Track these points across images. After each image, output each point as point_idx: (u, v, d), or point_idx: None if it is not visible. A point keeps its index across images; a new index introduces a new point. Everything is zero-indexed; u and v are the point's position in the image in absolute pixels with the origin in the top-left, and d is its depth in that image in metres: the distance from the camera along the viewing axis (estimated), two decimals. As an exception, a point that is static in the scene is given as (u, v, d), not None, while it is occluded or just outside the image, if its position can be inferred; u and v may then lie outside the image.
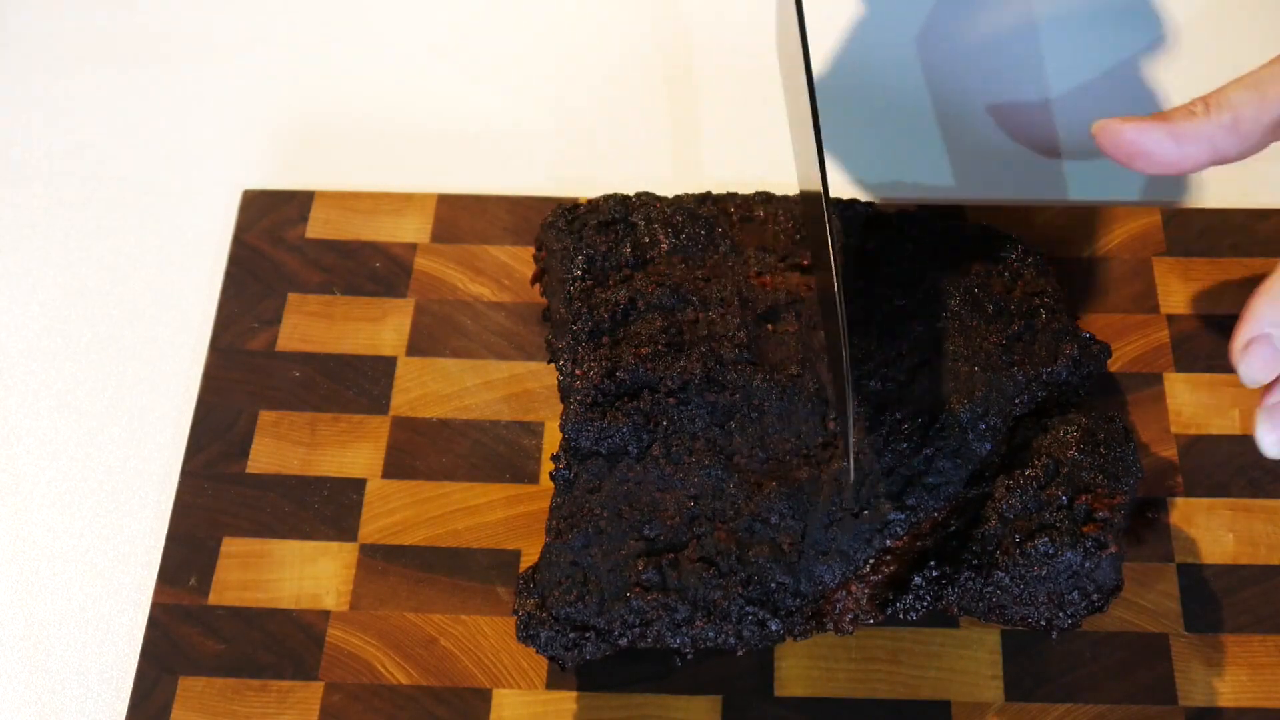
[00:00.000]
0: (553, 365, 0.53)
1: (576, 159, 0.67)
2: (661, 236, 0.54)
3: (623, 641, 0.48)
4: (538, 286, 0.58)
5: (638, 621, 0.47)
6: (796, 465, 0.48)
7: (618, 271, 0.53)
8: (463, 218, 0.64)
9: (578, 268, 0.53)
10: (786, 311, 0.52)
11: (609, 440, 0.49)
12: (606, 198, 0.56)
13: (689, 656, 0.49)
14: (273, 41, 0.72)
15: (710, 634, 0.48)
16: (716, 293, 0.52)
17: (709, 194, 0.57)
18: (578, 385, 0.50)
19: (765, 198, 0.57)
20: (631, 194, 0.56)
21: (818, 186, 0.48)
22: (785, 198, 0.56)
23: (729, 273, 0.53)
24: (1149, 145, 0.49)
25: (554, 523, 0.49)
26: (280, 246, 0.63)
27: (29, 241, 0.66)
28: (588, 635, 0.48)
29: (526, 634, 0.48)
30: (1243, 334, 0.46)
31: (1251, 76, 0.49)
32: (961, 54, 0.71)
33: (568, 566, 0.48)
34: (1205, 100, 0.49)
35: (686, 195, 0.57)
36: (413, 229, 0.64)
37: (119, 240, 0.65)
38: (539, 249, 0.57)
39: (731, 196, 0.57)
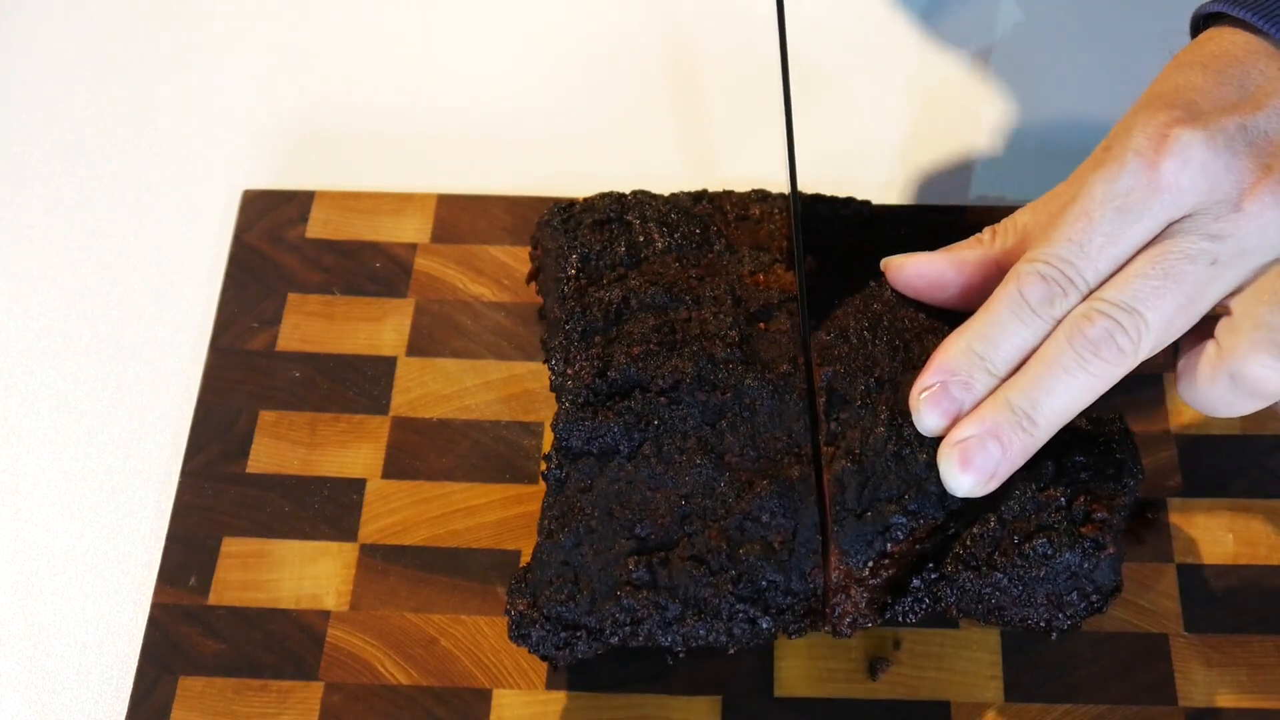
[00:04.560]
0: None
1: (576, 159, 0.67)
2: (656, 235, 0.54)
3: (614, 640, 0.48)
4: (534, 285, 0.58)
5: (628, 620, 0.47)
6: (788, 464, 0.48)
7: (612, 270, 0.53)
8: (463, 218, 0.64)
9: (572, 266, 0.53)
10: (779, 310, 0.52)
11: (600, 439, 0.49)
12: (602, 196, 0.56)
13: (681, 655, 0.49)
14: (273, 41, 0.72)
15: (701, 632, 0.48)
16: (710, 291, 0.52)
17: (704, 191, 0.57)
18: (569, 385, 0.50)
19: (761, 195, 0.57)
20: (627, 192, 0.56)
21: (810, 187, 0.49)
22: (781, 195, 0.56)
23: (723, 271, 0.53)
24: (932, 275, 0.51)
25: (545, 522, 0.49)
26: (280, 246, 0.63)
27: (29, 241, 0.66)
28: (579, 634, 0.48)
29: (518, 633, 0.48)
30: (920, 383, 0.47)
31: (1041, 199, 0.50)
32: (963, 53, 0.71)
33: (559, 566, 0.48)
34: (994, 228, 0.51)
35: (682, 193, 0.57)
36: (413, 229, 0.64)
37: (119, 240, 0.65)
38: (534, 247, 0.57)
39: (727, 194, 0.57)
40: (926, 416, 0.47)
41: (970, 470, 0.46)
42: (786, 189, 0.57)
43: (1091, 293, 0.45)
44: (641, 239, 0.54)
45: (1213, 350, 0.45)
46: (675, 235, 0.54)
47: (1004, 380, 0.46)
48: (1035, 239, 0.48)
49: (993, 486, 0.46)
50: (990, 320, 0.46)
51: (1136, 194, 0.44)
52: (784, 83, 0.52)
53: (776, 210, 0.56)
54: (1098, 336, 0.44)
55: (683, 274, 0.53)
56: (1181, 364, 0.47)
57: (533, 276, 0.58)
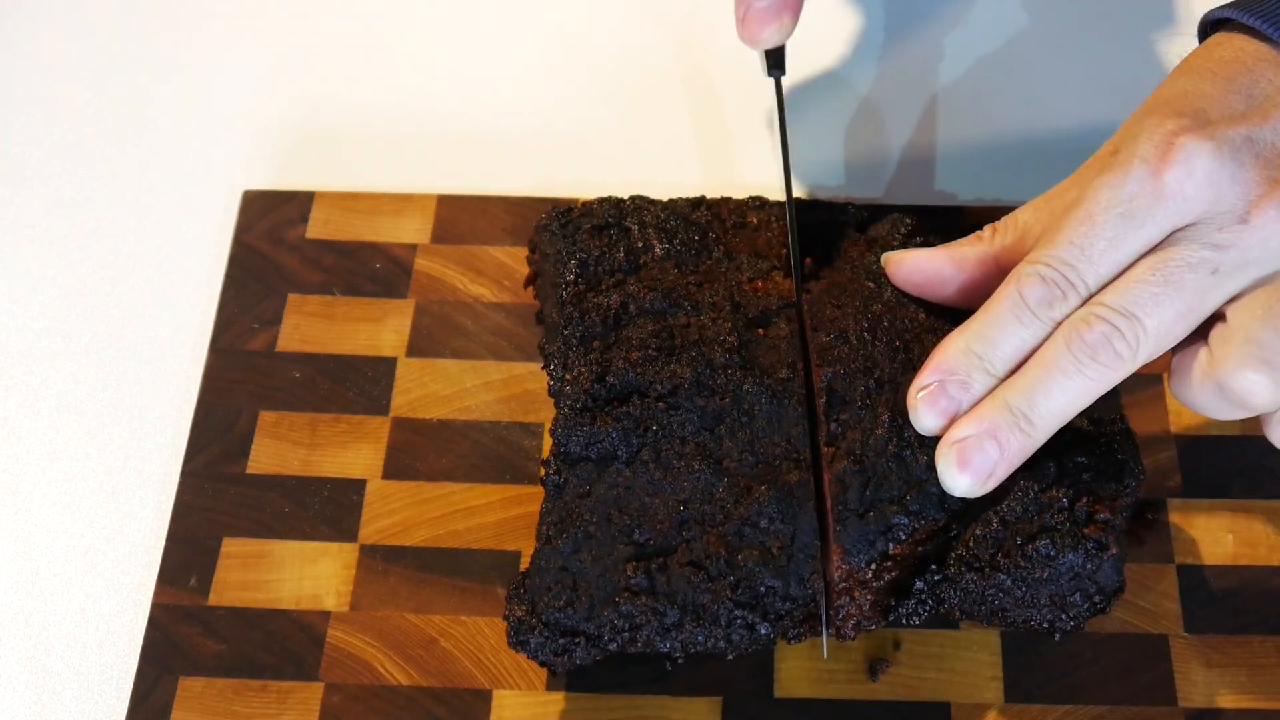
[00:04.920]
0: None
1: (576, 160, 0.67)
2: (655, 241, 0.54)
3: (612, 646, 0.48)
4: (531, 289, 0.58)
5: (627, 626, 0.47)
6: (786, 469, 0.48)
7: (611, 276, 0.53)
8: (463, 218, 0.64)
9: (571, 272, 0.53)
10: (777, 316, 0.52)
11: (598, 445, 0.49)
12: (600, 201, 0.56)
13: (679, 660, 0.49)
14: (273, 41, 0.72)
15: (699, 638, 0.48)
16: (709, 298, 0.52)
17: (702, 198, 0.57)
18: (567, 390, 0.50)
19: (759, 203, 0.57)
20: (625, 197, 0.56)
21: (810, 188, 0.49)
22: (779, 203, 0.56)
23: (721, 278, 0.53)
24: (931, 270, 0.51)
25: (544, 528, 0.49)
26: (280, 246, 0.63)
27: (29, 241, 0.66)
28: (577, 640, 0.48)
29: (516, 640, 0.48)
30: (918, 382, 0.48)
31: (1041, 197, 0.50)
32: (962, 55, 0.71)
33: (557, 572, 0.48)
34: (994, 225, 0.51)
35: (680, 199, 0.57)
36: (413, 229, 0.64)
37: (119, 240, 0.65)
38: (532, 251, 0.57)
39: (725, 201, 0.57)
40: (924, 416, 0.47)
41: (968, 470, 0.46)
42: (782, 195, 0.57)
43: (1091, 297, 0.45)
44: (640, 245, 0.54)
45: (1204, 356, 0.45)
46: (674, 242, 0.54)
47: (1002, 381, 0.46)
48: (1036, 239, 0.48)
49: (990, 487, 0.46)
50: (989, 321, 0.46)
51: (1140, 200, 0.44)
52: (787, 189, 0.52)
53: (774, 218, 0.56)
54: (1095, 341, 0.44)
55: (681, 280, 0.53)
56: (1175, 362, 0.47)
57: (530, 281, 0.58)
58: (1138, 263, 0.45)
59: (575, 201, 0.57)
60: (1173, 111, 0.45)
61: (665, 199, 0.57)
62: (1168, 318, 0.44)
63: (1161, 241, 0.45)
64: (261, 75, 0.71)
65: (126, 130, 0.69)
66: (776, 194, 0.57)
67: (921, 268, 0.51)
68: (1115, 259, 0.45)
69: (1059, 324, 0.45)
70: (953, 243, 0.51)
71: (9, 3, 0.73)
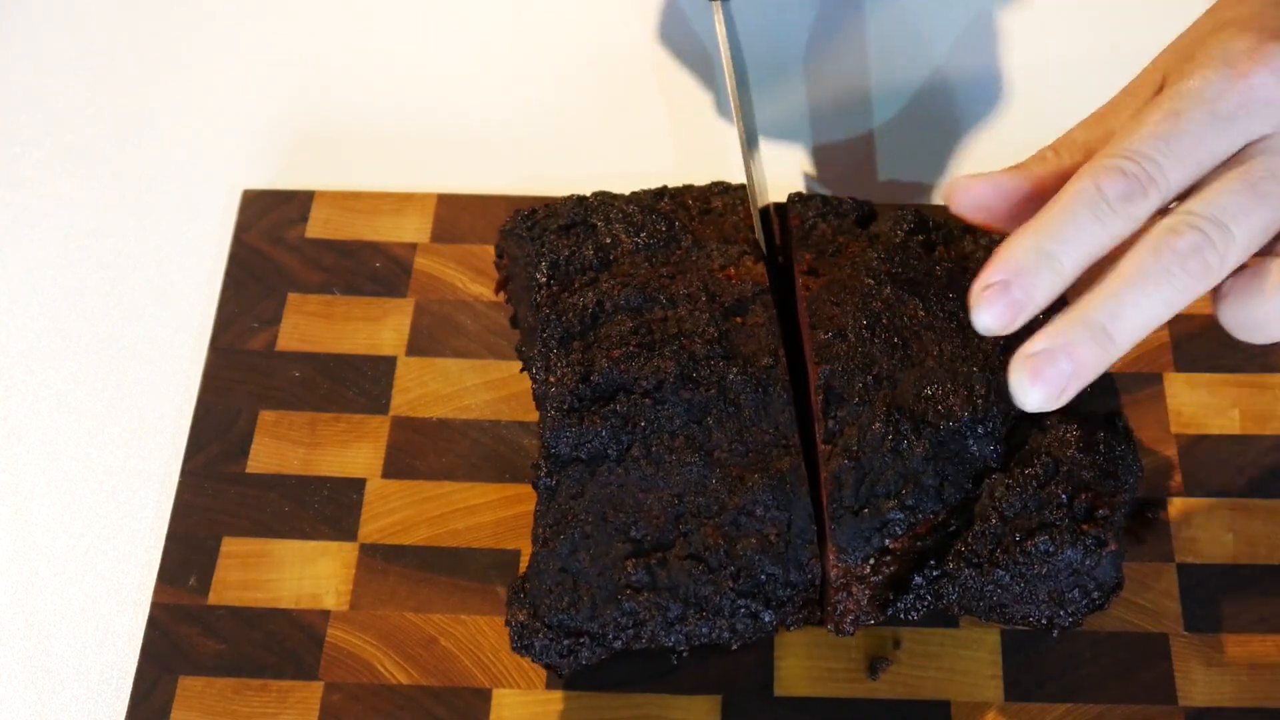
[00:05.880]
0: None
1: (577, 158, 0.67)
2: (623, 236, 0.54)
3: (617, 644, 0.48)
4: (503, 295, 0.58)
5: (631, 623, 0.47)
6: (777, 456, 0.49)
7: (582, 274, 0.53)
8: (463, 218, 0.64)
9: (542, 274, 0.53)
10: (753, 303, 0.52)
11: (588, 445, 0.49)
12: (564, 200, 0.56)
13: (684, 654, 0.49)
14: (273, 41, 0.72)
15: (704, 629, 0.48)
16: (683, 289, 0.52)
17: (665, 188, 0.57)
18: (552, 392, 0.50)
19: (722, 188, 0.57)
20: (588, 194, 0.56)
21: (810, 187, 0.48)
22: (741, 186, 0.56)
23: (693, 268, 0.53)
24: (1009, 188, 0.47)
25: (539, 531, 0.49)
26: (280, 246, 0.63)
27: (29, 241, 0.66)
28: (582, 641, 0.48)
29: (521, 644, 0.48)
30: (983, 279, 0.44)
31: (1093, 114, 0.48)
32: (960, 53, 0.71)
33: (557, 574, 0.48)
34: (1053, 146, 0.48)
35: (643, 191, 0.56)
36: (413, 229, 0.64)
37: (119, 240, 0.65)
38: (500, 256, 0.57)
39: (688, 189, 0.57)
40: (983, 315, 0.43)
41: (1039, 383, 0.43)
42: (795, 185, 0.57)
43: (1168, 203, 0.43)
44: (609, 240, 0.54)
45: (1278, 268, 0.43)
46: (641, 234, 0.54)
47: (1067, 286, 0.43)
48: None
49: (1062, 402, 0.43)
50: (1062, 217, 0.43)
51: (1226, 102, 0.43)
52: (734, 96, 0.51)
53: (739, 202, 0.56)
54: (1186, 249, 0.42)
55: (653, 273, 0.53)
56: (1236, 283, 0.44)
57: (501, 286, 0.58)
58: (1220, 172, 0.43)
59: (538, 206, 0.57)
60: (1241, 29, 0.44)
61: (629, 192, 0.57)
62: (1256, 229, 0.42)
63: (1239, 153, 0.43)
64: (261, 75, 0.71)
65: (126, 130, 0.69)
66: (777, 184, 0.57)
67: (1000, 184, 0.47)
68: (1198, 160, 0.43)
69: (1135, 229, 0.43)
70: (1020, 163, 0.48)
71: (9, 3, 0.73)
